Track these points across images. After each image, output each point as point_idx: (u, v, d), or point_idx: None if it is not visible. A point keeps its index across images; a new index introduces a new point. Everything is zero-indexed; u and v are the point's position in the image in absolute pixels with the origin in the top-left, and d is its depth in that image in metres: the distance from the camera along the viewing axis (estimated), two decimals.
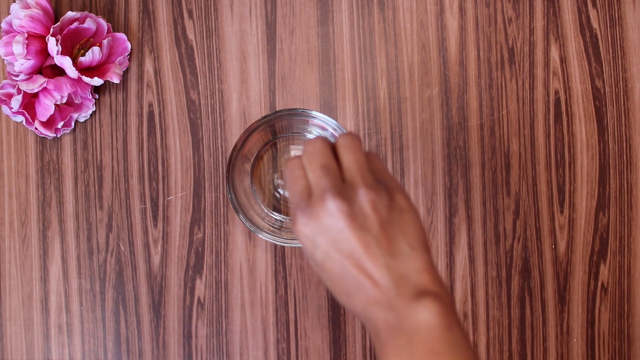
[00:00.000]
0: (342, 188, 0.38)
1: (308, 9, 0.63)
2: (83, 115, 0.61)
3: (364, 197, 0.38)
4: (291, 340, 0.61)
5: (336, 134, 0.57)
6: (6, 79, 0.59)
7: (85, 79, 0.57)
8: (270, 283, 0.62)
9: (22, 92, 0.57)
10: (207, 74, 0.62)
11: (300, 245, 0.57)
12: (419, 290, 0.36)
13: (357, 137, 0.41)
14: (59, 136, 0.62)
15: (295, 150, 0.62)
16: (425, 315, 0.35)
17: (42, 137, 0.62)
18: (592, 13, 0.63)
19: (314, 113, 0.56)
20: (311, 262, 0.40)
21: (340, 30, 0.63)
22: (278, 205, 0.62)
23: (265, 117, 0.56)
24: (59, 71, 0.59)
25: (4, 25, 0.58)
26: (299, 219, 0.39)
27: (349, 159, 0.40)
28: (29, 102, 0.59)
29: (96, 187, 0.62)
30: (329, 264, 0.38)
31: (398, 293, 0.36)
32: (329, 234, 0.38)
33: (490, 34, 0.63)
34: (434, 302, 0.35)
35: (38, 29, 0.57)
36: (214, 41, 0.63)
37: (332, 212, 0.37)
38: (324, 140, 0.41)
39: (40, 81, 0.56)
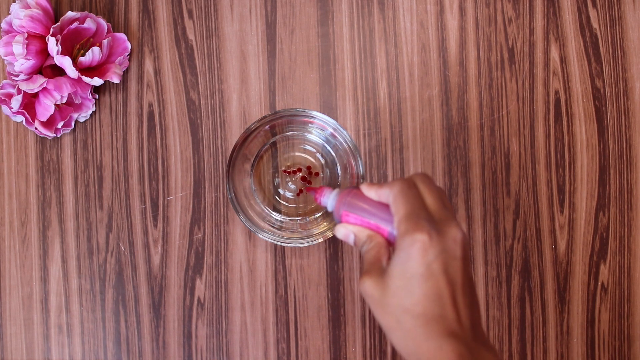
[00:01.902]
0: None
1: (308, 9, 0.63)
2: (83, 115, 0.61)
3: (467, 241, 0.42)
4: (291, 340, 0.61)
5: (336, 134, 0.57)
6: (6, 79, 0.59)
7: (85, 79, 0.57)
8: (270, 283, 0.62)
9: (22, 92, 0.57)
10: (207, 74, 0.62)
11: (300, 245, 0.56)
12: (484, 340, 0.40)
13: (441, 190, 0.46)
14: (59, 136, 0.62)
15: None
16: None
17: (42, 137, 0.62)
18: (592, 13, 0.63)
19: (314, 113, 0.56)
20: (400, 266, 0.40)
21: (340, 30, 0.63)
22: (278, 205, 0.62)
23: (265, 117, 0.56)
24: (59, 71, 0.59)
25: (4, 25, 0.58)
26: (426, 228, 0.40)
27: (447, 203, 0.44)
28: (29, 102, 0.59)
29: (96, 187, 0.62)
30: (429, 282, 0.39)
31: (473, 336, 0.40)
32: (445, 256, 0.40)
33: (490, 34, 0.63)
34: (497, 356, 0.40)
35: (38, 29, 0.57)
36: (214, 41, 0.63)
37: (457, 239, 0.41)
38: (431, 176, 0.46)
39: (40, 81, 0.56)
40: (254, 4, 0.63)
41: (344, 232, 0.46)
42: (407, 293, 0.40)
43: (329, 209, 0.49)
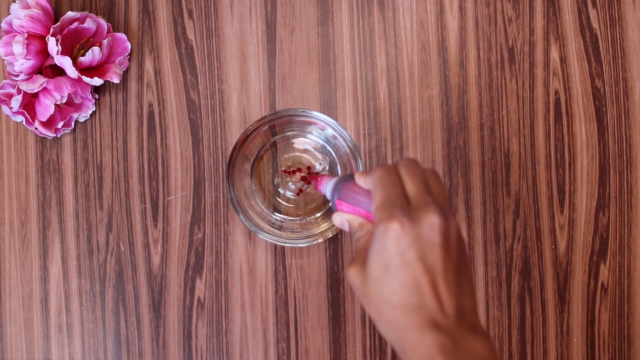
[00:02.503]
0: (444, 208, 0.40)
1: (308, 9, 0.63)
2: (83, 115, 0.61)
3: (453, 225, 0.40)
4: (291, 340, 0.61)
5: (336, 134, 0.57)
6: (6, 79, 0.59)
7: (85, 79, 0.57)
8: (270, 283, 0.62)
9: (22, 92, 0.57)
10: (207, 74, 0.62)
11: (300, 245, 0.56)
12: (473, 327, 0.38)
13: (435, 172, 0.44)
14: (59, 136, 0.62)
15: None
16: (482, 349, 0.38)
17: (42, 137, 0.62)
18: (592, 13, 0.63)
19: (314, 113, 0.56)
20: (376, 256, 0.39)
21: (340, 30, 0.63)
22: (278, 205, 0.62)
23: (265, 117, 0.56)
24: (59, 71, 0.59)
25: (4, 25, 0.58)
26: (398, 217, 0.39)
27: (437, 186, 0.42)
28: (29, 102, 0.59)
29: (96, 187, 0.62)
30: (405, 271, 0.38)
31: (458, 324, 0.38)
32: (420, 244, 0.38)
33: (490, 34, 0.63)
34: (488, 341, 0.38)
35: (38, 29, 0.57)
36: (214, 41, 0.63)
37: (433, 225, 0.38)
38: (418, 161, 0.45)
39: (40, 81, 0.56)
40: (254, 4, 0.63)
41: (339, 220, 0.46)
42: (384, 283, 0.39)
43: (328, 197, 0.50)
